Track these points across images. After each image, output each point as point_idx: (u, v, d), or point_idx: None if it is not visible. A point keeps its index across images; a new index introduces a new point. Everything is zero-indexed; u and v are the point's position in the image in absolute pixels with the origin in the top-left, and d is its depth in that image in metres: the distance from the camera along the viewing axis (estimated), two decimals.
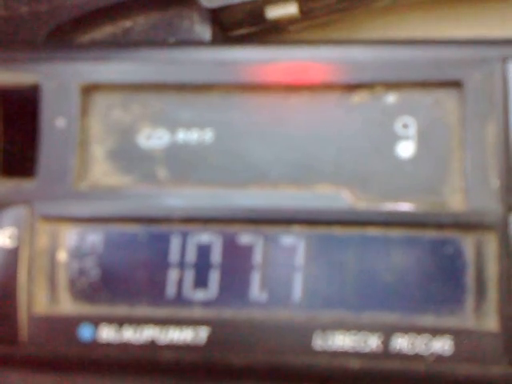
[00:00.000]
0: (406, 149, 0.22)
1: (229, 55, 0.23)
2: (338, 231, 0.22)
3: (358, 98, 0.22)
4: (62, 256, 0.23)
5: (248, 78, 0.22)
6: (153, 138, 0.23)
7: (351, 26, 0.30)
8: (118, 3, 0.27)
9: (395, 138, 0.22)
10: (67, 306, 0.22)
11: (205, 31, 0.27)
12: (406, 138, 0.22)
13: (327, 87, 0.22)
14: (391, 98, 0.22)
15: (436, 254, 0.21)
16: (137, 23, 0.27)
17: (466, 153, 0.21)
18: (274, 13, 0.27)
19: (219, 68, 0.23)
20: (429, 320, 0.21)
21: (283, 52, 0.23)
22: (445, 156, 0.22)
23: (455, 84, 0.21)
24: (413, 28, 0.29)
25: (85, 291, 0.22)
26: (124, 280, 0.22)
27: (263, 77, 0.22)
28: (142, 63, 0.23)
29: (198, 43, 0.25)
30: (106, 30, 0.27)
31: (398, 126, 0.22)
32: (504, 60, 0.21)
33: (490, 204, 0.21)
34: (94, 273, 0.22)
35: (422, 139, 0.22)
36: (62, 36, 0.27)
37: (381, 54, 0.22)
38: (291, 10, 0.27)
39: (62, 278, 0.23)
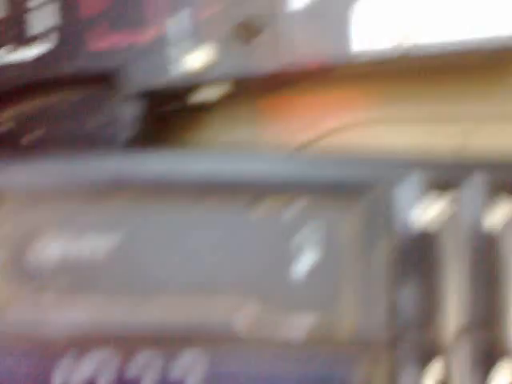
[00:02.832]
0: (300, 267, 0.21)
1: (135, 163, 0.22)
2: (235, 348, 0.21)
3: (257, 212, 0.22)
4: None
5: (153, 187, 0.22)
6: (48, 249, 0.22)
7: None
8: (38, 81, 0.26)
9: (291, 256, 0.21)
10: None
11: (130, 109, 0.26)
12: (302, 256, 0.21)
13: (228, 200, 0.22)
14: (289, 214, 0.22)
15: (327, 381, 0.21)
16: (59, 101, 0.27)
17: (357, 279, 0.21)
18: (195, 98, 0.26)
19: (123, 175, 0.22)
20: None
21: (187, 162, 0.22)
22: (337, 278, 0.21)
23: (348, 206, 0.21)
24: None
25: None
26: None
27: (168, 185, 0.22)
28: (45, 171, 0.22)
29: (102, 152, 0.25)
30: (23, 108, 0.27)
31: (293, 244, 0.21)
32: (390, 183, 0.21)
33: (377, 333, 0.20)
34: None
35: (317, 259, 0.21)
36: None
37: (280, 170, 0.22)
38: (212, 95, 0.26)
39: None
